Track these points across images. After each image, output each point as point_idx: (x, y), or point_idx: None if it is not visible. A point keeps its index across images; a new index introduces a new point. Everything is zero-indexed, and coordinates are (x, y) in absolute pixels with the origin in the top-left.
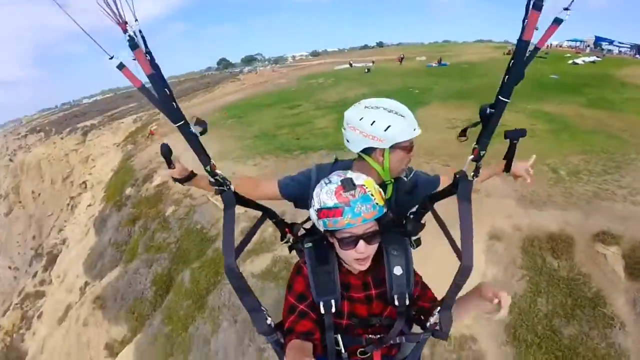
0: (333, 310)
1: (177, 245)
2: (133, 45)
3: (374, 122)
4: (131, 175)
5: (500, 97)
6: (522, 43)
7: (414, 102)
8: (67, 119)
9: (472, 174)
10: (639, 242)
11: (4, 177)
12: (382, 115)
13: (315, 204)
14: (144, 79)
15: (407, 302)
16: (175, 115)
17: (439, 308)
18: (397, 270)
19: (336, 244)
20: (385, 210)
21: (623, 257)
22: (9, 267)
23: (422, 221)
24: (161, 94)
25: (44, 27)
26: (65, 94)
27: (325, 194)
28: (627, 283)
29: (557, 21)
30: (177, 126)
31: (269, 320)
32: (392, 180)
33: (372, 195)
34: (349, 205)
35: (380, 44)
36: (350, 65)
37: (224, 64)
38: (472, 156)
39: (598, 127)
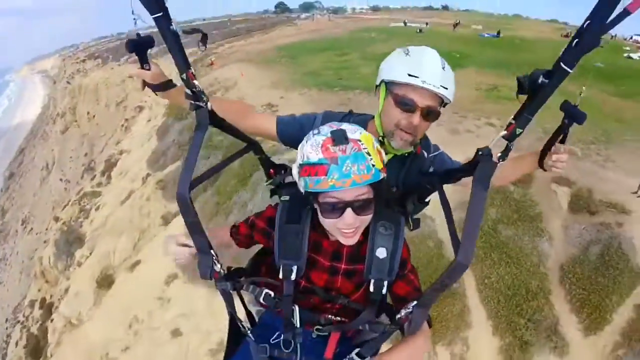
0: (293, 277)
1: (230, 142)
2: None
3: (387, 57)
4: None
5: (561, 63)
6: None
7: (451, 64)
8: (124, 47)
9: (499, 155)
10: (587, 189)
11: (62, 97)
12: (397, 51)
13: (298, 158)
14: None
15: (384, 291)
16: (152, 4)
17: (415, 302)
18: (381, 253)
19: (318, 211)
20: (383, 175)
21: (570, 196)
22: (60, 179)
23: (426, 199)
24: None
25: None
26: (120, 24)
27: (310, 147)
28: (567, 214)
29: None
30: (154, 18)
31: (216, 267)
32: (393, 148)
33: (367, 153)
34: (337, 162)
35: (445, 7)
36: (405, 24)
37: (281, 8)
38: (505, 132)
39: (612, 113)
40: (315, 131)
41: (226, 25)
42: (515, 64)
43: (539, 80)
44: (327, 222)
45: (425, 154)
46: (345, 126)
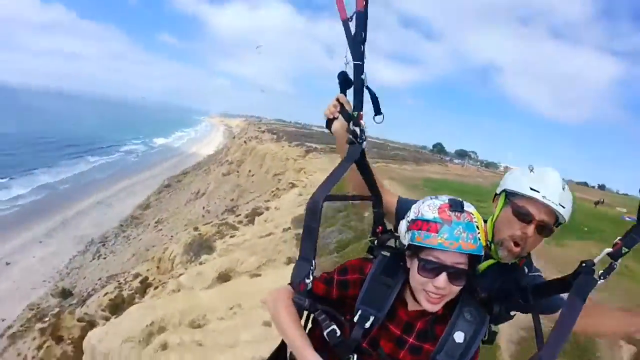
0: (367, 326)
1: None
2: None
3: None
4: (340, 187)
5: None
6: None
7: (574, 235)
8: (298, 135)
9: (601, 272)
10: None
11: (235, 150)
12: (522, 167)
13: (411, 215)
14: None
15: None
16: (358, 54)
17: None
18: (459, 337)
19: (414, 267)
20: (483, 253)
21: (633, 354)
22: (203, 207)
23: (512, 312)
24: (358, 33)
25: (309, 59)
26: (301, 116)
27: (426, 207)
28: None
29: None
30: (354, 64)
31: (308, 279)
32: (499, 257)
33: (477, 227)
34: (450, 224)
35: (601, 186)
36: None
37: (438, 148)
38: (611, 250)
39: None
40: (434, 197)
41: (385, 148)
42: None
43: None
44: (418, 280)
45: (526, 270)
46: (460, 199)
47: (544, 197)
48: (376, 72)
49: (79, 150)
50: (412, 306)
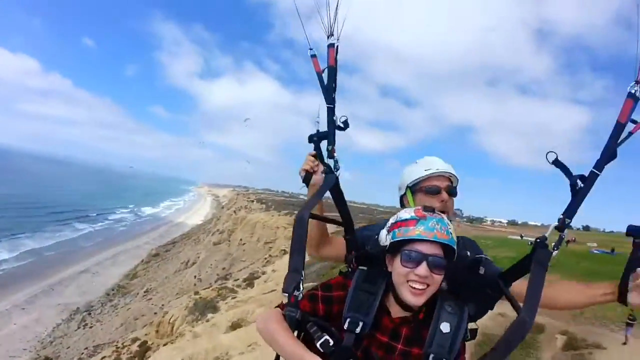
0: (357, 330)
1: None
2: (330, 45)
3: None
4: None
5: (593, 169)
6: (617, 125)
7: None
8: (287, 204)
9: (554, 244)
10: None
11: (226, 220)
12: (407, 167)
13: (390, 221)
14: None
15: None
16: (330, 99)
17: None
18: (445, 327)
19: (397, 262)
20: (455, 247)
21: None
22: (195, 276)
23: (492, 308)
24: (329, 83)
25: (295, 131)
26: (288, 185)
27: (403, 212)
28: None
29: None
30: (327, 107)
31: (298, 291)
32: None
33: (448, 224)
34: (425, 219)
35: (586, 227)
36: (521, 237)
37: None
38: (557, 223)
39: None
40: (409, 206)
41: (372, 212)
42: (606, 274)
43: (578, 185)
44: (402, 272)
45: (469, 253)
46: None
47: (437, 169)
48: (361, 139)
49: (67, 217)
50: (395, 313)
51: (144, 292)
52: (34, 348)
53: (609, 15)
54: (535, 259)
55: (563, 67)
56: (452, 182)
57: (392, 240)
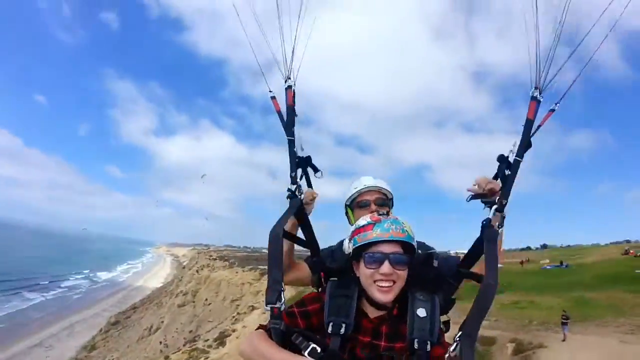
0: (342, 332)
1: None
2: (288, 87)
3: None
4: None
5: (516, 157)
6: (527, 121)
7: (505, 291)
8: (249, 259)
9: (498, 224)
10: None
11: (188, 280)
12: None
13: (351, 229)
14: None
15: (428, 348)
16: (289, 132)
17: (458, 334)
18: (421, 312)
19: (362, 265)
20: (414, 244)
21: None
22: (160, 342)
23: (453, 296)
24: (289, 120)
25: (253, 184)
26: (249, 240)
27: (362, 219)
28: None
29: (551, 110)
30: (288, 139)
31: (279, 302)
32: None
33: (403, 223)
34: (380, 222)
35: (544, 246)
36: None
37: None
38: (496, 205)
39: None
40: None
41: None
42: (553, 285)
43: (506, 172)
44: (367, 274)
45: (419, 251)
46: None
47: (365, 185)
48: (322, 190)
49: (15, 286)
50: (372, 314)
51: None
52: None
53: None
54: (486, 237)
55: (500, 104)
56: (385, 195)
57: (354, 247)
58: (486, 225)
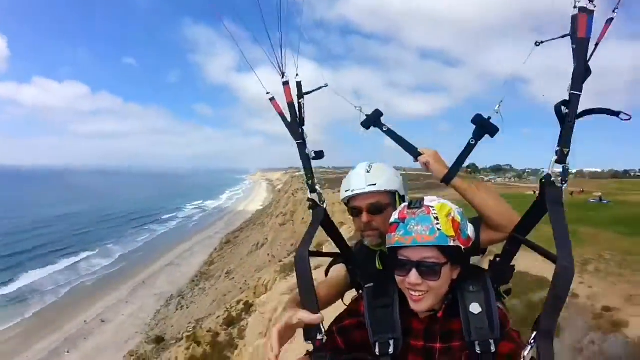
0: (391, 351)
1: None
2: (285, 83)
3: None
4: None
5: (572, 91)
6: (579, 41)
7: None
8: (338, 180)
9: (560, 178)
10: None
11: (286, 203)
12: None
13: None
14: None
15: (493, 349)
16: (297, 135)
17: (533, 335)
18: (475, 308)
19: (395, 268)
20: (453, 243)
21: None
22: (268, 254)
23: (512, 263)
24: (293, 119)
25: (336, 107)
26: (336, 160)
27: (396, 211)
28: None
29: (608, 21)
30: (297, 143)
31: (320, 334)
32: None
33: (435, 218)
34: (404, 221)
35: (626, 172)
36: (534, 192)
37: (472, 168)
38: (556, 157)
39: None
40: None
41: (419, 179)
42: (583, 219)
43: (563, 111)
44: (398, 280)
45: None
46: (430, 196)
47: (352, 191)
48: (405, 106)
49: (143, 222)
50: (422, 313)
51: (225, 273)
52: (144, 331)
53: None
54: (549, 199)
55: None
56: (382, 196)
57: (387, 247)
58: (547, 182)
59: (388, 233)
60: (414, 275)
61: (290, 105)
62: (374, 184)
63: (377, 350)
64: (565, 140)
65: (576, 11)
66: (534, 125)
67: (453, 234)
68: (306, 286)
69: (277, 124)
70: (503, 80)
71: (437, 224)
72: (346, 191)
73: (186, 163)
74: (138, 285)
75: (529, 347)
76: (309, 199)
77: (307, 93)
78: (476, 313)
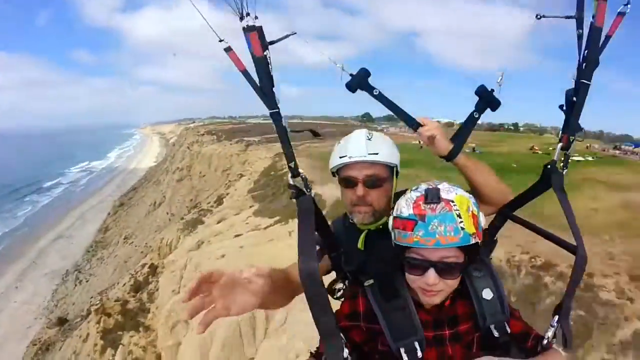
0: (419, 355)
1: None
2: (250, 28)
3: None
4: (276, 167)
5: (582, 80)
6: (595, 29)
7: (510, 173)
8: (235, 132)
9: (562, 164)
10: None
11: (182, 158)
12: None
13: (393, 211)
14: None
15: (509, 330)
16: (270, 102)
17: (556, 318)
18: (487, 294)
19: (405, 266)
20: (475, 240)
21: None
22: (167, 213)
23: (495, 238)
24: (263, 79)
25: (240, 51)
26: (233, 109)
27: (404, 201)
28: None
29: (621, 14)
30: (270, 113)
31: (345, 352)
32: (371, 223)
33: (458, 215)
34: (424, 220)
35: (515, 125)
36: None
37: (366, 117)
38: (562, 144)
39: None
40: (414, 187)
41: (316, 127)
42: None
43: (572, 98)
44: (410, 279)
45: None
46: (442, 185)
47: (350, 158)
48: (306, 54)
49: (23, 193)
50: (424, 302)
51: (123, 239)
52: (43, 315)
53: None
54: (556, 186)
55: None
56: (381, 169)
57: (394, 242)
58: (552, 169)
59: (399, 229)
60: (432, 276)
61: (260, 60)
62: (376, 153)
63: (405, 357)
64: (573, 128)
65: None
66: (426, 77)
67: (474, 230)
68: (320, 308)
69: (171, 69)
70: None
71: (461, 222)
72: (341, 157)
73: (67, 120)
74: (27, 267)
75: (552, 328)
76: (290, 186)
77: (273, 42)
78: (489, 299)
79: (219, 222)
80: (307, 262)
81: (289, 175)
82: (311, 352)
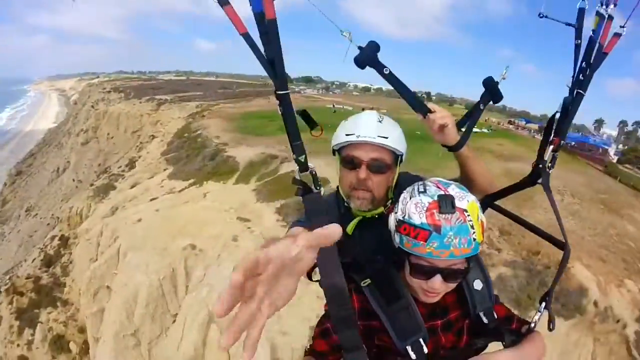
0: (426, 350)
1: None
2: None
3: None
4: (190, 129)
5: (578, 90)
6: (597, 46)
7: (413, 140)
8: (145, 89)
9: (549, 165)
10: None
11: (86, 118)
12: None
13: (399, 212)
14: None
15: (495, 315)
16: (281, 81)
17: (543, 304)
18: (478, 284)
19: (407, 268)
20: (480, 248)
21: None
22: (73, 180)
23: None
24: (275, 49)
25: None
26: (143, 64)
27: (414, 206)
28: None
29: (617, 34)
30: (278, 95)
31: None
32: (366, 210)
33: (472, 226)
34: (439, 232)
35: (428, 94)
36: (333, 106)
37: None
38: (553, 146)
39: None
40: (422, 188)
41: (232, 87)
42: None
43: (567, 104)
44: (413, 281)
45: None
46: (453, 191)
47: (358, 136)
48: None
49: None
50: (421, 298)
51: (25, 211)
52: None
53: None
54: (545, 185)
55: None
56: (386, 154)
57: (399, 246)
58: (542, 169)
59: (411, 237)
60: (438, 282)
61: (270, 22)
62: (386, 137)
63: (413, 355)
64: (564, 132)
65: (592, 12)
66: (345, 40)
67: (482, 238)
68: (345, 323)
69: (69, 15)
70: None
71: (474, 233)
72: (348, 135)
73: None
74: None
75: (539, 313)
76: (296, 181)
77: None
78: (479, 289)
79: (132, 187)
80: (334, 279)
81: (297, 169)
82: (306, 349)
